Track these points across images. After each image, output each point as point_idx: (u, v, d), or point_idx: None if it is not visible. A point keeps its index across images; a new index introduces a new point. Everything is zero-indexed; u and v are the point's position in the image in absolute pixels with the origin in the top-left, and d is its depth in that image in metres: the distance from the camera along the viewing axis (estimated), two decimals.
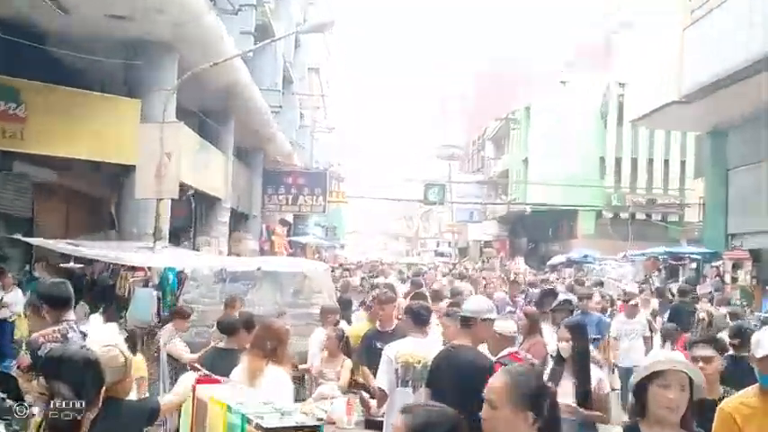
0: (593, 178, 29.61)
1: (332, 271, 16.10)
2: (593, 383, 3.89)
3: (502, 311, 7.57)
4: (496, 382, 2.00)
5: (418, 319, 4.54)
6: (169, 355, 5.51)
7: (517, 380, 1.96)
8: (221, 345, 4.90)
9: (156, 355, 6.00)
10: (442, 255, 62.13)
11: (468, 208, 40.99)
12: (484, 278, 16.08)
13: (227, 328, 4.83)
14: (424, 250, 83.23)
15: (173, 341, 5.35)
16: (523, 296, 9.44)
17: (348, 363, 5.46)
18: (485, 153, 44.78)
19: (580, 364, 3.98)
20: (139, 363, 5.28)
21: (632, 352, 7.53)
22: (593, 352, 6.57)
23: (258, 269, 7.20)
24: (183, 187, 10.55)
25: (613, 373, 7.50)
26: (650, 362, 2.24)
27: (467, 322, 3.65)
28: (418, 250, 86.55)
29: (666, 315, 8.74)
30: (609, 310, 9.13)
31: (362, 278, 13.88)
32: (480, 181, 41.93)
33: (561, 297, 6.74)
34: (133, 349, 5.32)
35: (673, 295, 10.64)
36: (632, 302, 7.95)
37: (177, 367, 5.26)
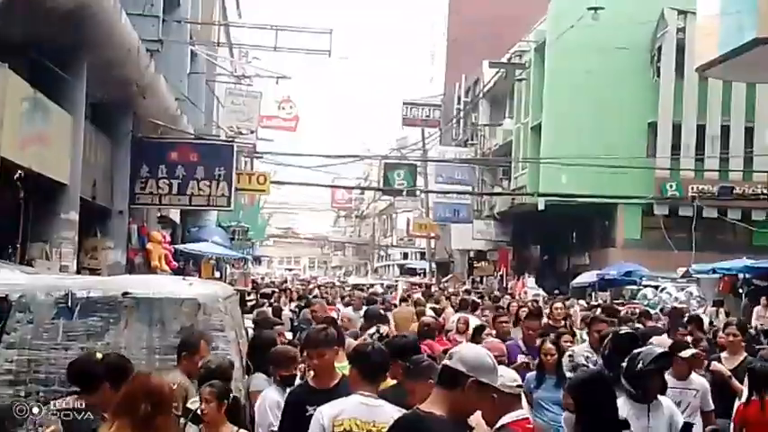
0: (638, 155, 30.22)
1: (242, 297, 16.01)
2: None
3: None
4: None
5: (369, 369, 4.62)
6: None
7: None
8: (68, 402, 4.83)
9: None
10: (412, 272, 62.63)
11: (451, 201, 41.42)
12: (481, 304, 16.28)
13: (78, 375, 4.75)
14: (385, 265, 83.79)
15: None
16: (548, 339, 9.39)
17: None
18: (477, 116, 45.25)
19: None
20: None
21: None
22: None
23: (125, 294, 7.13)
24: (6, 166, 10.33)
25: None
26: None
27: (451, 379, 3.56)
28: (374, 265, 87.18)
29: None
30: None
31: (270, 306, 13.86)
32: (469, 159, 42.36)
33: (651, 349, 5.85)
34: None
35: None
36: (686, 354, 7.07)
37: None
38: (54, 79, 12.70)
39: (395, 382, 5.43)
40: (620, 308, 16.36)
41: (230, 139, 22.59)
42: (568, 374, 7.55)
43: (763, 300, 19.67)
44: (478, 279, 43.44)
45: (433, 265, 53.87)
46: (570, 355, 8.46)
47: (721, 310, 20.17)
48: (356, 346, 5.21)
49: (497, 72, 39.36)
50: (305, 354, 6.19)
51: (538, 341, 8.73)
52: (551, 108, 32.34)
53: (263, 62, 29.47)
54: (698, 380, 7.34)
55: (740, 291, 21.72)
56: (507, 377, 4.46)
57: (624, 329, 7.78)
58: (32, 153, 11.57)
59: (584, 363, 8.26)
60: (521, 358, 8.26)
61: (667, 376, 6.81)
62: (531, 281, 31.47)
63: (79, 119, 13.71)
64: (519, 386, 4.47)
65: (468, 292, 25.40)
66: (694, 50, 22.37)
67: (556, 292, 28.51)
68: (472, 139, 45.93)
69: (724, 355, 8.45)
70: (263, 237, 49.01)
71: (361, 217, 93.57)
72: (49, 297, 7.12)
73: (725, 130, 31.63)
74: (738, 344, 8.56)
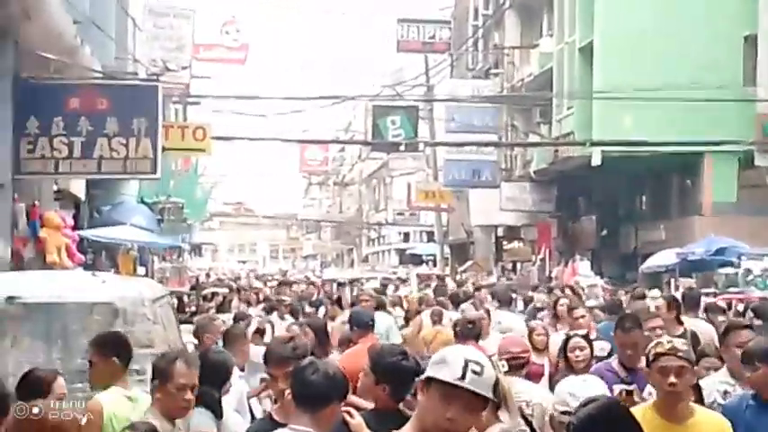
0: (731, 84, 30.14)
1: (179, 301, 15.93)
2: None
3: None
4: None
5: (307, 394, 4.97)
6: None
7: None
8: None
9: None
10: (416, 260, 62.51)
11: (469, 157, 41.31)
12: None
13: None
14: (378, 251, 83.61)
15: None
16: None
17: None
18: (502, 35, 45.06)
19: None
20: None
21: None
22: None
23: (11, 300, 7.09)
24: None
25: None
26: None
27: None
28: (363, 252, 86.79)
29: None
30: None
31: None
32: (493, 97, 42.27)
33: None
34: None
35: None
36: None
37: None
38: None
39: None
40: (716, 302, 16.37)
41: (153, 78, 22.40)
42: None
43: None
44: (510, 266, 43.47)
45: (446, 249, 53.88)
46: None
47: None
48: (294, 366, 5.38)
49: None
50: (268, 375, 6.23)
51: (641, 364, 7.15)
52: (607, 20, 32.17)
53: None
54: None
55: None
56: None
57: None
58: None
59: (722, 402, 7.24)
60: (618, 388, 7.57)
61: None
62: (584, 265, 31.40)
63: None
64: None
65: (481, 288, 24.89)
66: None
67: (604, 280, 28.08)
68: (496, 68, 45.81)
69: None
70: (203, 216, 48.95)
71: (343, 184, 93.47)
72: None
73: None
74: None
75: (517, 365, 8.13)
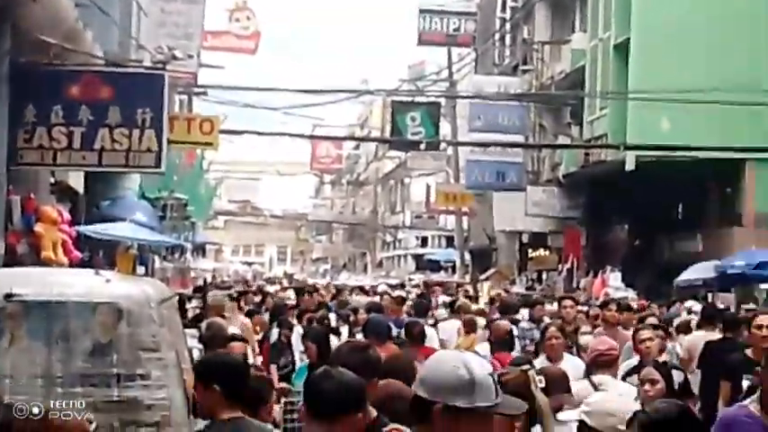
0: None
1: (181, 303, 15.94)
2: None
3: None
4: None
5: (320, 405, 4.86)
6: None
7: None
8: None
9: None
10: (434, 266, 62.39)
11: (493, 159, 41.23)
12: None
13: None
14: (393, 255, 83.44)
15: None
16: None
17: None
18: (531, 30, 45.02)
19: None
20: None
21: None
22: None
23: (9, 297, 7.11)
24: None
25: None
26: None
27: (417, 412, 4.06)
28: (377, 257, 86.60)
29: None
30: None
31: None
32: (521, 95, 42.21)
33: None
34: None
35: None
36: None
37: None
38: None
39: None
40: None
41: (159, 66, 22.40)
42: None
43: None
44: (535, 275, 43.39)
45: (467, 256, 53.83)
46: None
47: None
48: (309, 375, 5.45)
49: None
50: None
51: None
52: (645, 16, 32.03)
53: None
54: None
55: None
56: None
57: None
58: None
59: None
60: None
61: None
62: (615, 277, 31.33)
63: None
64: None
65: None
66: None
67: (629, 296, 27.61)
68: (524, 65, 45.73)
69: None
70: (208, 214, 48.95)
71: (357, 184, 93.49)
72: None
73: None
74: None
75: (604, 363, 8.66)
